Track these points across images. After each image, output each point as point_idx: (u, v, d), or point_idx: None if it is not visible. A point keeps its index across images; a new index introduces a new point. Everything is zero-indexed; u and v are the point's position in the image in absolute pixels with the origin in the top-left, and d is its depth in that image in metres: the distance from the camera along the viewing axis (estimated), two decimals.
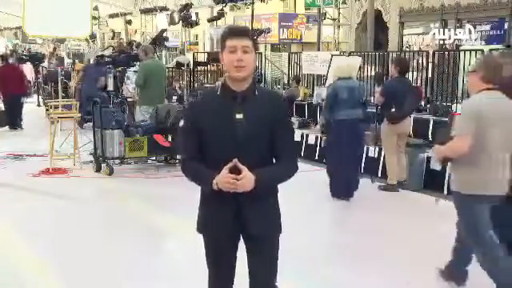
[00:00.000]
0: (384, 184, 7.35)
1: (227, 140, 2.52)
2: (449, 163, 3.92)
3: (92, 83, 11.43)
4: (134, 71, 9.84)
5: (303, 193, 6.73)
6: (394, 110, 7.18)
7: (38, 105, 15.88)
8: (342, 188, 6.77)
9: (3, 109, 12.66)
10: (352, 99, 6.72)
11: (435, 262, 4.26)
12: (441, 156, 3.87)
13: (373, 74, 10.96)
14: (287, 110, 2.84)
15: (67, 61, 18.38)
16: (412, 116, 7.75)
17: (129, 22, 26.61)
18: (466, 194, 3.68)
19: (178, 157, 8.51)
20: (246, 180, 2.45)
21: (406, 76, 7.67)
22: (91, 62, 12.79)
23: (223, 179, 2.45)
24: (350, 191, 6.80)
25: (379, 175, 7.88)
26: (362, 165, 8.28)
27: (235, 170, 2.46)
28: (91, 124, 9.12)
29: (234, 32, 2.57)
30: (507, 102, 3.69)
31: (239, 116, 2.53)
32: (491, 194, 3.66)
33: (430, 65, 10.09)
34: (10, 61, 14.08)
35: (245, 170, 2.45)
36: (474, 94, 3.80)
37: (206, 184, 2.55)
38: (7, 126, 12.36)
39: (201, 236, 2.77)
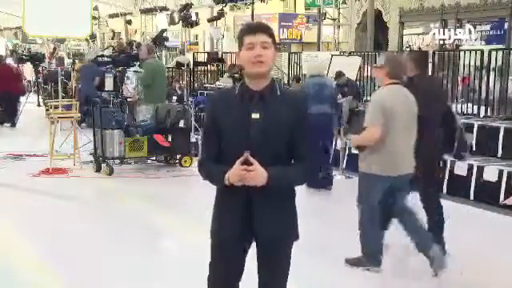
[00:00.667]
0: None
1: (242, 140, 2.46)
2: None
3: (90, 83, 11.44)
4: (134, 71, 9.83)
5: (302, 193, 6.73)
6: None
7: (38, 105, 15.90)
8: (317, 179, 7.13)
9: None
10: (321, 95, 7.14)
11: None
12: (356, 144, 4.47)
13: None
14: (307, 113, 2.69)
15: (67, 61, 18.36)
16: None
17: (129, 22, 26.59)
18: (376, 174, 4.24)
19: (178, 157, 8.54)
20: (257, 173, 2.40)
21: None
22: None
23: (234, 171, 2.41)
24: (324, 182, 7.24)
25: None
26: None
27: (247, 165, 2.42)
28: (88, 124, 9.14)
29: (252, 28, 2.51)
30: (408, 95, 4.25)
31: (255, 116, 2.46)
32: (398, 174, 4.22)
33: (430, 65, 10.09)
34: (8, 61, 14.42)
35: (256, 164, 2.41)
36: (381, 88, 4.38)
37: (217, 180, 2.51)
38: (4, 124, 12.72)
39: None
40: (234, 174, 2.42)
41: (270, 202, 2.50)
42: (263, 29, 2.51)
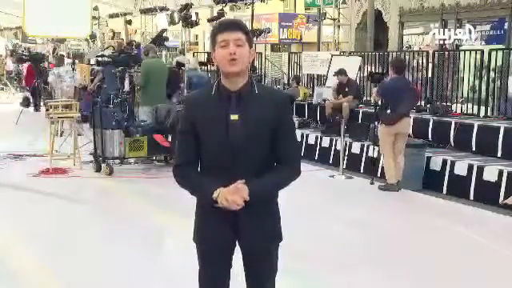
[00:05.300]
0: (384, 184, 7.35)
1: (222, 143, 2.37)
2: None
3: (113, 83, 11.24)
4: (135, 71, 9.81)
5: (302, 193, 6.73)
6: (389, 111, 7.23)
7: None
8: None
9: None
10: (199, 85, 9.02)
11: (435, 259, 4.27)
12: None
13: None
14: (290, 110, 2.61)
15: (67, 61, 18.35)
16: (412, 116, 7.79)
17: (129, 22, 26.56)
18: None
19: None
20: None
21: (405, 76, 7.72)
22: (91, 61, 12.71)
23: (228, 198, 2.31)
24: None
25: (379, 175, 7.90)
26: (362, 164, 8.33)
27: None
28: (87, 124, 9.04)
29: (225, 25, 2.40)
30: None
31: (234, 117, 2.36)
32: None
33: (430, 65, 10.10)
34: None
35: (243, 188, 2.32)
36: None
37: (204, 196, 2.43)
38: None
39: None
40: (227, 197, 2.32)
41: (256, 210, 2.42)
42: (237, 26, 2.40)
